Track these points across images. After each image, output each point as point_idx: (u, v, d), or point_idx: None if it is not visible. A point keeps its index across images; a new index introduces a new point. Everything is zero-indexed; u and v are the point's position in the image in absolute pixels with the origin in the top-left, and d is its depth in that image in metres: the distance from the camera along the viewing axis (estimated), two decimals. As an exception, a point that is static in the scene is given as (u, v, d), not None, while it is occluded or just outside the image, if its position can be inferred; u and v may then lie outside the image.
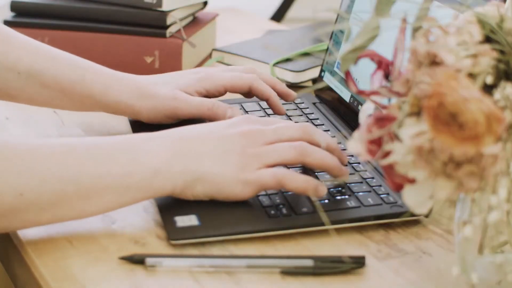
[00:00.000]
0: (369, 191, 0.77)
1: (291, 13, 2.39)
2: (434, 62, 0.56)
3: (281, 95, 0.93)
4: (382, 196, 0.76)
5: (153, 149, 0.72)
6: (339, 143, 0.88)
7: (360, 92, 0.61)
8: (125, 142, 0.73)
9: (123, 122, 0.96)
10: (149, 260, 0.67)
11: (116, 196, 0.70)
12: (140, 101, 0.89)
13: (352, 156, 0.84)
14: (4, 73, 0.89)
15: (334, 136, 0.91)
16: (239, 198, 0.73)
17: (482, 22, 0.57)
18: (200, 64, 1.19)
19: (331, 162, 0.76)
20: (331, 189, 0.77)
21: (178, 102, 0.89)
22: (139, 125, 0.93)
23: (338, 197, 0.76)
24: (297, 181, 0.73)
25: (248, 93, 0.93)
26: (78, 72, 0.90)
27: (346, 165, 0.80)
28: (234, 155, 0.73)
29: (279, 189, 0.75)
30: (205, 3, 1.25)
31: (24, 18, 1.14)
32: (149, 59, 1.12)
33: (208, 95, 0.92)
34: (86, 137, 0.73)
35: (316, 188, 0.73)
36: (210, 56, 1.24)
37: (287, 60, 1.14)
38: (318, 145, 0.76)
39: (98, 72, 0.90)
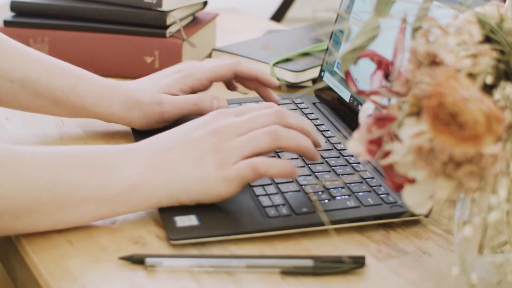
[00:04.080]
0: (369, 191, 0.77)
1: (291, 13, 2.39)
2: (434, 62, 0.56)
3: (264, 83, 0.95)
4: (382, 196, 0.76)
5: (126, 164, 0.71)
6: (339, 143, 0.88)
7: (360, 92, 0.61)
8: (103, 153, 0.72)
9: (123, 122, 0.96)
10: (149, 260, 0.67)
11: (93, 208, 0.70)
12: (129, 112, 0.90)
13: (352, 156, 0.85)
14: None
15: (333, 136, 0.91)
16: (226, 197, 0.72)
17: (482, 22, 0.57)
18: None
19: (305, 144, 0.75)
20: (331, 189, 0.77)
21: (164, 106, 0.90)
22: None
23: (338, 197, 0.76)
24: (274, 166, 0.72)
25: (230, 83, 0.96)
26: (71, 81, 0.89)
27: (320, 147, 0.79)
28: (210, 155, 0.72)
29: (260, 177, 0.73)
30: (205, 3, 1.26)
31: (24, 18, 1.14)
32: (149, 59, 1.12)
33: (194, 91, 0.93)
34: (68, 146, 0.73)
35: (293, 170, 0.73)
36: (210, 56, 1.24)
37: (287, 60, 1.14)
38: (292, 128, 0.75)
39: (90, 82, 0.90)
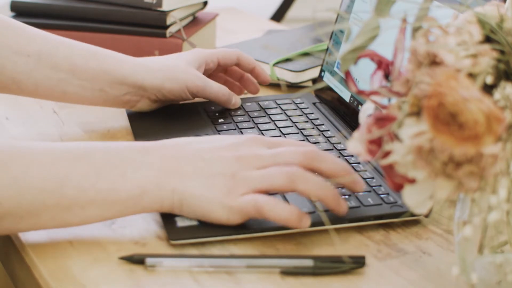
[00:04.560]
0: (369, 191, 0.77)
1: (291, 13, 2.39)
2: (434, 62, 0.56)
3: (259, 76, 1.01)
4: (382, 196, 0.76)
5: (142, 166, 0.69)
6: (339, 143, 0.88)
7: (360, 92, 0.61)
8: (114, 155, 0.70)
9: (123, 122, 0.96)
10: (149, 260, 0.67)
11: (100, 210, 0.68)
12: (161, 73, 0.91)
13: (352, 156, 0.85)
14: (13, 57, 0.88)
15: (333, 136, 0.91)
16: (227, 224, 0.70)
17: (482, 22, 0.57)
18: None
19: (326, 194, 0.70)
20: (331, 189, 0.77)
21: (203, 82, 0.93)
22: (137, 122, 0.93)
23: (338, 197, 0.76)
24: (278, 211, 0.68)
25: (220, 73, 1.01)
26: (91, 50, 0.90)
27: (359, 192, 0.74)
28: (222, 178, 0.69)
29: (262, 217, 0.69)
30: (205, 3, 1.26)
31: (24, 18, 1.14)
32: (149, 59, 1.12)
33: (206, 68, 0.97)
34: (73, 144, 0.70)
35: (299, 220, 0.69)
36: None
37: (287, 60, 1.14)
38: (320, 173, 0.72)
39: (110, 52, 0.92)
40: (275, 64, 1.12)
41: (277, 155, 0.71)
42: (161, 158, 0.70)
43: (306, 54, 1.16)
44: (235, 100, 0.97)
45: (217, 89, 0.94)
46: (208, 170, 0.70)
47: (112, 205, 0.69)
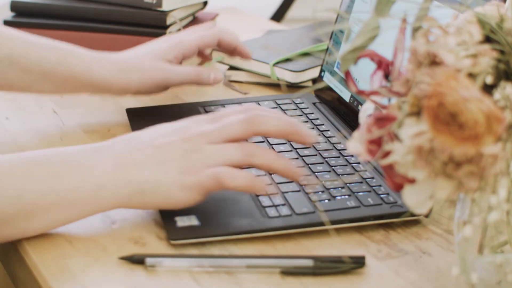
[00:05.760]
0: (369, 191, 0.77)
1: (291, 13, 2.39)
2: (434, 62, 0.56)
3: (241, 54, 1.01)
4: (382, 196, 0.76)
5: (96, 164, 0.71)
6: (339, 143, 0.88)
7: (360, 92, 0.61)
8: (69, 158, 0.71)
9: (124, 122, 0.96)
10: (149, 260, 0.67)
11: (62, 213, 0.69)
12: (126, 75, 0.91)
13: (352, 156, 0.85)
14: None
15: (333, 136, 0.91)
16: (185, 205, 0.71)
17: (482, 22, 0.57)
18: (200, 65, 1.19)
19: (280, 165, 0.72)
20: (331, 189, 0.77)
21: (167, 73, 0.93)
22: (138, 121, 0.93)
23: (338, 197, 0.76)
24: (239, 180, 0.70)
25: (203, 55, 1.01)
26: (60, 54, 0.91)
27: (310, 145, 0.76)
28: (176, 161, 0.71)
29: (222, 189, 0.71)
30: (205, 3, 1.25)
31: (24, 18, 1.14)
32: (149, 59, 1.12)
33: (184, 58, 0.96)
34: (29, 153, 0.72)
35: (259, 185, 0.71)
36: (210, 55, 1.24)
37: (287, 60, 1.14)
38: (269, 136, 0.76)
39: (79, 53, 0.92)
40: (275, 64, 1.12)
41: (222, 128, 0.72)
42: (114, 155, 0.72)
43: (306, 54, 1.16)
44: (214, 76, 0.96)
45: (183, 76, 0.94)
46: (160, 156, 0.71)
47: (73, 206, 0.69)
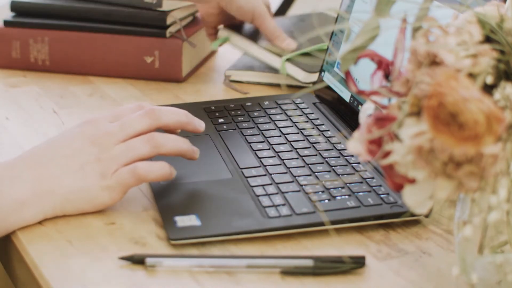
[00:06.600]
0: (369, 191, 0.77)
1: (291, 13, 2.38)
2: (434, 62, 0.56)
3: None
4: (382, 196, 0.76)
5: (15, 181, 0.71)
6: (339, 143, 0.88)
7: (360, 92, 0.61)
8: None
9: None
10: (149, 260, 0.67)
11: None
12: None
13: (352, 156, 0.85)
14: None
15: (333, 136, 0.91)
16: (111, 205, 0.74)
17: (482, 22, 0.57)
18: (200, 64, 1.19)
19: (184, 147, 0.77)
20: (331, 189, 0.77)
21: None
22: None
23: (338, 197, 0.76)
24: (153, 170, 0.74)
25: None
26: None
27: (201, 132, 0.80)
28: (91, 165, 0.73)
29: (142, 182, 0.74)
30: (205, 3, 1.25)
31: (24, 18, 1.14)
32: (149, 59, 1.12)
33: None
34: None
35: (170, 172, 0.75)
36: (210, 55, 1.24)
37: (302, 54, 1.08)
38: (168, 128, 0.78)
39: None
40: (288, 60, 1.08)
41: (126, 126, 0.75)
42: (30, 169, 0.72)
43: (321, 51, 1.11)
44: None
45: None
46: (74, 164, 0.73)
47: None
